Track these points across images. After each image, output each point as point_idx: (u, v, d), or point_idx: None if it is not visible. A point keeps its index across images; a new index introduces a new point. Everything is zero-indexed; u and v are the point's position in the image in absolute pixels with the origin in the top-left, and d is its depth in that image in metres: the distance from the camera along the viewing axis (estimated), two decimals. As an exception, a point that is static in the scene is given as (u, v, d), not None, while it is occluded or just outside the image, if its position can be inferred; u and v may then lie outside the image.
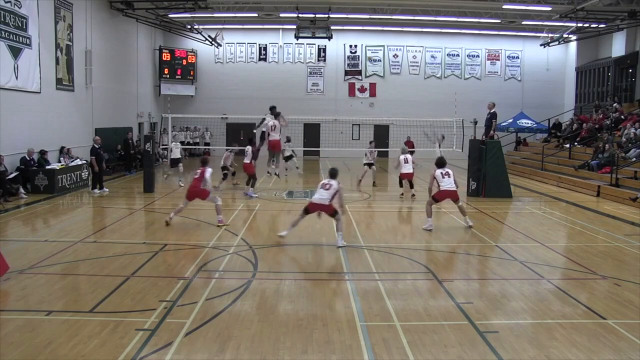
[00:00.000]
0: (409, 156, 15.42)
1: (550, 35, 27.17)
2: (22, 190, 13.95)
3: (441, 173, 11.10)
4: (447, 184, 11.00)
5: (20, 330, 5.53)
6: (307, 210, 9.52)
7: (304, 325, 5.78)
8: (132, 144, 21.58)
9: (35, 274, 7.44)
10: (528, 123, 27.51)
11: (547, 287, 7.33)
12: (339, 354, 5.11)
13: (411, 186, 15.68)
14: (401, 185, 16.03)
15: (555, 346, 5.35)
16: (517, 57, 31.27)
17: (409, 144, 24.20)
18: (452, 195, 11.12)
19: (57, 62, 17.77)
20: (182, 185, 16.78)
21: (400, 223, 12.60)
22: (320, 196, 9.37)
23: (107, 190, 15.46)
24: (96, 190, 15.24)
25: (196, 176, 10.85)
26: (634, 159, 17.16)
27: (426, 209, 11.16)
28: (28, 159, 15.01)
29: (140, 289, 6.85)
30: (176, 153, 17.50)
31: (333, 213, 9.43)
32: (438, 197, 11.15)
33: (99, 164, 15.13)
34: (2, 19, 14.43)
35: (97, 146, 15.36)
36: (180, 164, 17.45)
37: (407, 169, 15.23)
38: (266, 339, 5.42)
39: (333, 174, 9.64)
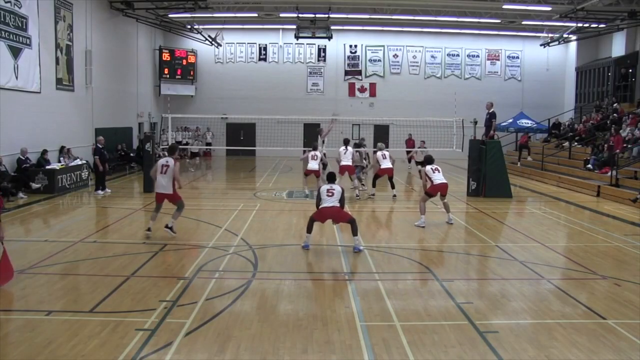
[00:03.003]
0: (386, 152, 15.22)
1: (550, 35, 27.17)
2: (21, 194, 13.95)
3: (431, 169, 11.56)
4: (439, 178, 11.48)
5: (20, 330, 5.53)
6: (314, 219, 9.12)
7: (304, 325, 5.78)
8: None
9: (35, 274, 7.45)
10: (528, 123, 27.51)
11: (547, 287, 7.33)
12: (339, 354, 5.11)
13: (392, 186, 15.25)
14: (374, 185, 15.40)
15: (555, 346, 5.35)
16: (517, 57, 31.26)
17: (410, 142, 24.28)
18: (443, 189, 11.58)
19: (57, 62, 17.78)
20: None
21: (400, 223, 12.58)
22: (332, 203, 8.98)
23: (109, 190, 15.45)
24: (99, 192, 15.20)
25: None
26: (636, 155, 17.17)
27: (420, 205, 11.62)
28: (23, 158, 15.01)
29: (140, 289, 6.85)
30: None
31: (349, 220, 9.09)
32: (431, 191, 11.55)
33: (102, 164, 15.10)
34: (2, 19, 14.44)
35: (100, 146, 15.44)
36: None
37: (386, 164, 14.96)
38: (266, 339, 5.42)
39: (331, 177, 9.51)
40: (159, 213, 10.07)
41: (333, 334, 5.56)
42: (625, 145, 18.30)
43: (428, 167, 11.64)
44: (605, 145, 18.56)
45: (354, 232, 9.01)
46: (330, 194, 9.02)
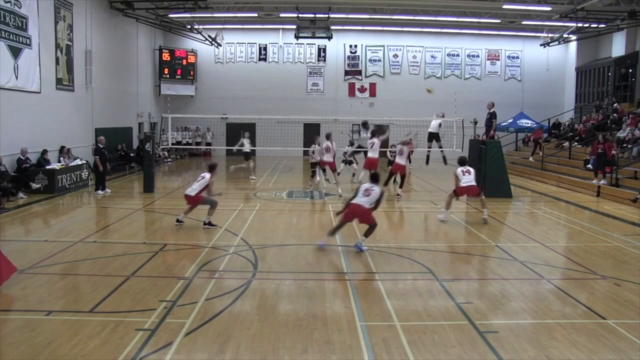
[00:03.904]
0: (400, 146, 15.11)
1: (550, 35, 27.16)
2: (21, 194, 13.95)
3: (462, 171, 11.75)
4: (467, 180, 11.62)
5: (20, 330, 5.53)
6: (343, 222, 9.12)
7: (304, 325, 5.78)
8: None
9: (35, 274, 7.44)
10: (528, 123, 27.52)
11: (547, 287, 7.33)
12: (339, 354, 5.11)
13: (401, 185, 15.33)
14: (386, 184, 15.17)
15: (555, 346, 5.35)
16: (517, 57, 31.26)
17: (409, 144, 24.19)
18: (471, 191, 11.79)
19: (57, 62, 17.77)
20: (254, 179, 18.86)
21: (400, 223, 12.60)
22: (361, 201, 8.95)
23: (109, 191, 15.42)
24: (99, 192, 15.16)
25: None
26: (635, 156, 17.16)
27: (446, 200, 11.91)
28: (23, 158, 15.00)
29: (140, 289, 6.85)
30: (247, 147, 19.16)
31: (372, 223, 9.03)
32: (459, 192, 11.82)
33: (102, 164, 15.06)
34: (2, 19, 14.44)
35: (101, 146, 15.40)
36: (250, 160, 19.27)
37: (399, 160, 14.91)
38: (266, 339, 5.42)
39: (374, 177, 9.34)
40: (189, 212, 11.05)
41: (333, 334, 5.56)
42: (625, 145, 18.30)
43: (459, 169, 11.82)
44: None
45: (366, 234, 9.02)
46: (367, 194, 8.95)
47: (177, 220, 10.92)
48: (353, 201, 9.02)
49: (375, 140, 15.23)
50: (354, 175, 18.16)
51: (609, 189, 15.93)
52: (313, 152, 16.93)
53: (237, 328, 5.66)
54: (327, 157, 15.49)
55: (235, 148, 19.49)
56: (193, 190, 10.74)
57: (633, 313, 6.32)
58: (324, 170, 15.93)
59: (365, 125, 15.77)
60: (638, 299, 6.78)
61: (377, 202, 9.05)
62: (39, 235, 10.42)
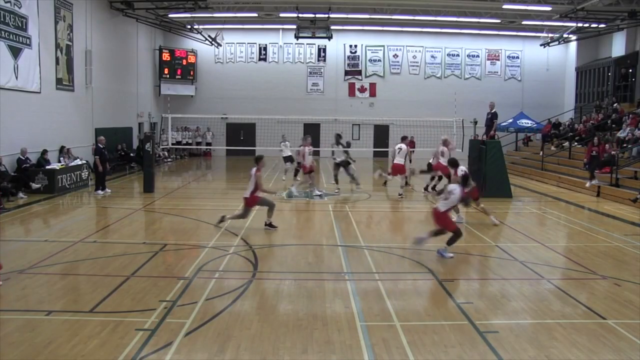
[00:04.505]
0: (445, 149, 14.86)
1: (550, 35, 27.18)
2: (21, 194, 13.95)
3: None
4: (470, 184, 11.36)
5: (20, 330, 5.53)
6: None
7: (304, 325, 5.78)
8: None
9: (35, 274, 7.44)
10: (528, 123, 27.52)
11: (547, 287, 7.33)
12: (339, 354, 5.11)
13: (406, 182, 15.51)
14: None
15: (555, 346, 5.35)
16: (517, 57, 31.27)
17: (411, 144, 24.28)
18: (474, 194, 11.43)
19: (57, 62, 17.78)
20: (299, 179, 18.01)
21: (400, 223, 12.59)
22: (439, 204, 8.78)
23: (109, 191, 15.41)
24: (99, 192, 15.15)
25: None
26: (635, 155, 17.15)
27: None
28: (23, 158, 15.01)
29: (140, 289, 6.85)
30: (286, 152, 18.89)
31: (450, 229, 8.70)
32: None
33: (102, 164, 15.04)
34: (2, 19, 14.44)
35: (101, 146, 15.39)
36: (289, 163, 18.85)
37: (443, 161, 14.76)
38: (266, 339, 5.42)
39: (463, 179, 9.00)
40: (241, 218, 10.72)
41: (333, 334, 5.56)
42: (625, 145, 18.29)
43: (460, 173, 11.10)
44: (606, 145, 18.40)
45: (448, 242, 8.71)
46: (446, 197, 8.75)
47: (221, 219, 10.79)
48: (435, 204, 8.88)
49: (403, 145, 15.28)
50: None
51: (609, 189, 15.93)
52: (298, 153, 17.09)
53: (237, 328, 5.66)
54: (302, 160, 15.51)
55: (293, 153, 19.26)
56: (247, 190, 10.48)
57: (633, 313, 6.32)
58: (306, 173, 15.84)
59: (404, 139, 15.72)
60: (638, 299, 6.78)
61: (455, 203, 8.78)
62: (39, 235, 10.41)
